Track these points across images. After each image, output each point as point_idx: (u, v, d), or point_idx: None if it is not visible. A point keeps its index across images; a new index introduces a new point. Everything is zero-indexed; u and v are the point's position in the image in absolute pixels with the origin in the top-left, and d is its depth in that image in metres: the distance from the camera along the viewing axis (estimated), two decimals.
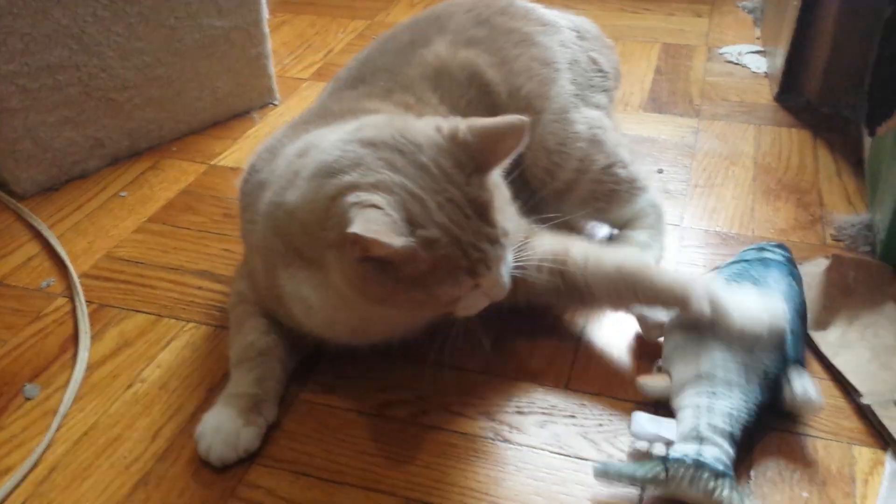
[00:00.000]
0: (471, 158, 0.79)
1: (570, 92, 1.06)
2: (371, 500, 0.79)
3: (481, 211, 0.78)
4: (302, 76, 1.66)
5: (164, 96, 1.37)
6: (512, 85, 1.03)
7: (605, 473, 0.77)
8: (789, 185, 1.24)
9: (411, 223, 0.74)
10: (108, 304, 1.04)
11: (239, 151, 1.38)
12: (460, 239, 0.76)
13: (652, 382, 0.86)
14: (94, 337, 0.99)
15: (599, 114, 1.08)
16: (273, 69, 1.52)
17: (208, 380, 0.93)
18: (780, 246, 0.96)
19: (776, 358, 0.83)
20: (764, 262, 0.93)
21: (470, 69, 1.01)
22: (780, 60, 1.50)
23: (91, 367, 0.95)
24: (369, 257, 0.74)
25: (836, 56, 1.39)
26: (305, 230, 0.80)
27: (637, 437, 0.80)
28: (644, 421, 0.81)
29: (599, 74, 1.13)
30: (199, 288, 1.07)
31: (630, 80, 1.59)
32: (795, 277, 0.92)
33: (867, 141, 1.18)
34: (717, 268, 0.98)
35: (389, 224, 0.72)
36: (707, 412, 0.79)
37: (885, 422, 0.83)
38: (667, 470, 0.75)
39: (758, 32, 1.80)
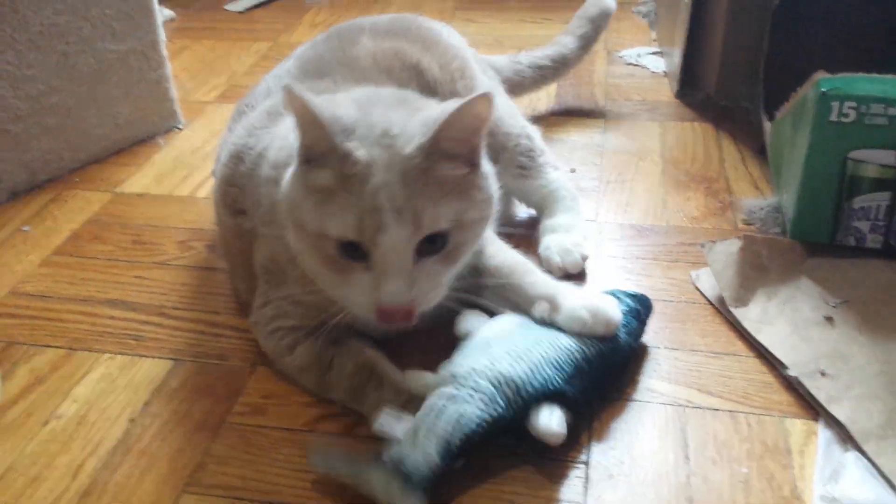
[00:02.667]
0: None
1: (480, 73, 1.17)
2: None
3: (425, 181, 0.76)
4: (206, 99, 1.62)
5: (62, 125, 1.31)
6: (441, 62, 1.09)
7: (317, 464, 0.78)
8: (697, 176, 1.28)
9: (349, 132, 0.75)
10: (16, 341, 0.98)
11: (144, 177, 1.34)
12: (378, 183, 0.74)
13: (416, 376, 0.83)
14: (4, 376, 0.93)
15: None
16: (175, 93, 1.48)
17: (129, 409, 0.88)
18: (636, 297, 0.92)
19: (539, 384, 0.79)
20: None
21: (400, 56, 1.05)
22: (677, 59, 1.55)
23: (2, 408, 0.89)
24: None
25: (730, 50, 1.44)
26: None
27: (379, 431, 0.77)
28: (386, 419, 0.77)
29: (486, 64, 1.27)
30: (112, 318, 1.02)
31: None
32: (628, 328, 0.88)
33: (767, 126, 1.23)
34: None
35: (326, 101, 0.76)
36: (434, 416, 0.76)
37: (814, 392, 0.85)
38: (370, 471, 0.74)
39: (654, 35, 1.86)
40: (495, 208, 0.84)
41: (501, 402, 0.77)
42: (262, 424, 0.86)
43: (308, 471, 0.80)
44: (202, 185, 1.31)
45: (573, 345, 0.83)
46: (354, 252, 0.76)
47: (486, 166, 0.83)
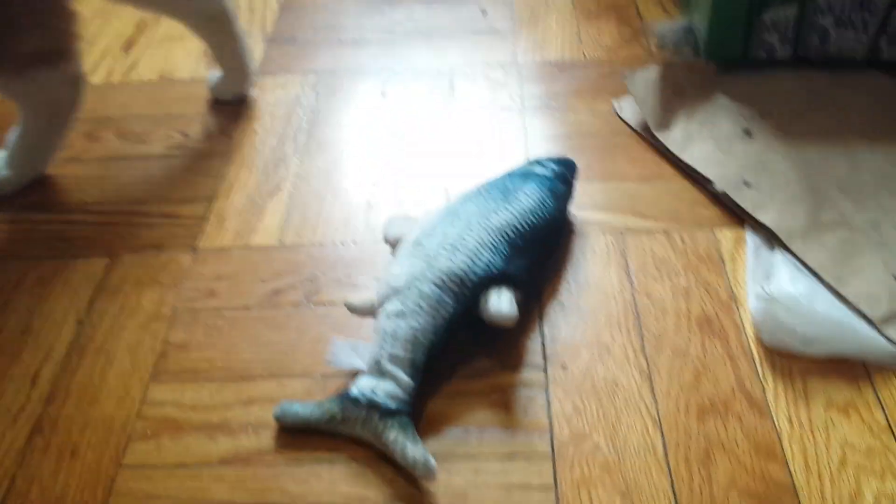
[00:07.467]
0: None
1: None
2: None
3: None
4: None
5: None
6: None
7: (282, 416, 0.73)
8: (607, 4, 1.28)
9: None
10: None
11: None
12: None
13: (357, 299, 0.80)
14: None
15: None
16: None
17: (73, 311, 0.86)
18: (560, 161, 0.92)
19: (482, 270, 0.77)
20: (527, 174, 0.89)
21: None
22: None
23: None
24: None
25: None
26: None
27: (334, 365, 0.76)
28: (340, 349, 0.76)
29: None
30: (33, 222, 0.98)
31: None
32: (557, 193, 0.87)
33: None
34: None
35: None
36: (391, 339, 0.74)
37: (740, 202, 0.90)
38: (343, 411, 0.72)
39: None
40: None
41: (450, 301, 0.76)
42: (216, 306, 0.86)
43: (274, 343, 0.81)
44: None
45: (504, 223, 0.81)
46: None
47: None
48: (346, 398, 0.72)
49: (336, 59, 1.22)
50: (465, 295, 0.76)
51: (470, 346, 0.80)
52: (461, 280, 0.76)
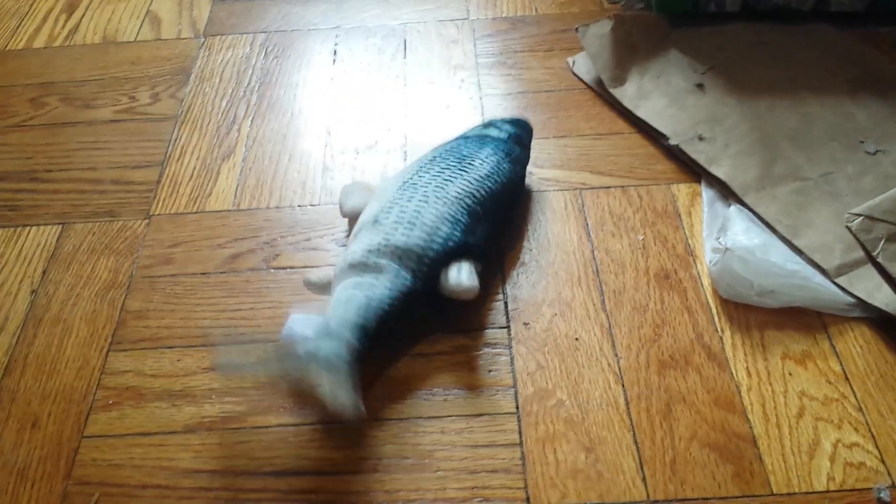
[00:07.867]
0: None
1: None
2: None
3: None
4: None
5: None
6: None
7: (220, 366, 0.74)
8: None
9: None
10: None
11: None
12: None
13: (315, 275, 0.79)
14: None
15: None
16: None
17: (27, 281, 0.84)
18: (515, 122, 0.91)
19: (439, 245, 0.76)
20: (482, 138, 0.88)
21: None
22: None
23: None
24: None
25: None
26: None
27: (288, 338, 0.73)
28: (296, 323, 0.73)
29: None
30: None
31: None
32: (512, 156, 0.86)
33: None
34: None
35: None
36: (344, 304, 0.73)
37: (694, 156, 0.91)
38: (280, 359, 0.71)
39: None
40: None
41: (407, 275, 0.74)
42: (173, 273, 0.85)
43: (234, 309, 0.81)
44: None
45: (462, 192, 0.80)
46: None
47: None
48: (285, 347, 0.71)
49: (285, 17, 1.20)
50: (423, 272, 0.75)
51: (433, 310, 0.80)
52: (418, 256, 0.75)
